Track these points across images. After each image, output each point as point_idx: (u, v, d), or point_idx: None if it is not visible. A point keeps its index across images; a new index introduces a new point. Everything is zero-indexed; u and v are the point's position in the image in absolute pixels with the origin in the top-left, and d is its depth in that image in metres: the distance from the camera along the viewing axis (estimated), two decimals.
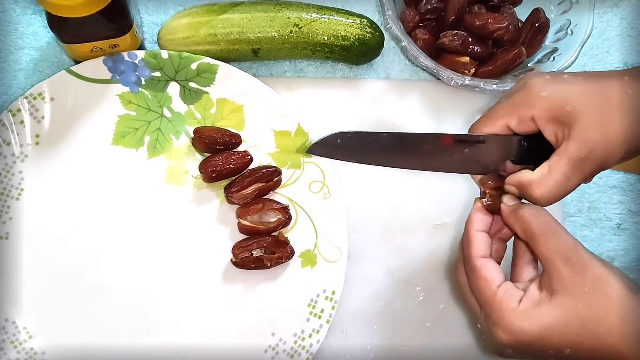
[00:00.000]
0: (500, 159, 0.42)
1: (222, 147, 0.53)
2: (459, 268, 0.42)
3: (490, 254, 0.41)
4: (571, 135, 0.38)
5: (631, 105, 0.37)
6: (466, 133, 0.43)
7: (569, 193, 0.39)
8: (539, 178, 0.39)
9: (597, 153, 0.37)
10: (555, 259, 0.37)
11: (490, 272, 0.39)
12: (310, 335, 0.51)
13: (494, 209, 0.42)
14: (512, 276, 0.42)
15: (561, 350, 0.36)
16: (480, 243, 0.41)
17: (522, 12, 0.59)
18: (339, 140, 0.42)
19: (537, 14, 0.58)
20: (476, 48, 0.56)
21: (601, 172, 0.59)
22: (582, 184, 0.46)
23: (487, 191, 0.43)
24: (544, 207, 0.40)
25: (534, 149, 0.40)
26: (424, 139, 0.42)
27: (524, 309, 0.36)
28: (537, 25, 0.57)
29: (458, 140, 0.41)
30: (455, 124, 0.59)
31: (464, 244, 0.41)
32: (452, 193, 0.57)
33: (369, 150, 0.42)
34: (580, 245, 0.38)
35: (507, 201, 0.41)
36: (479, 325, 0.40)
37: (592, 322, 0.35)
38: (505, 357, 0.39)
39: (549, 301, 0.36)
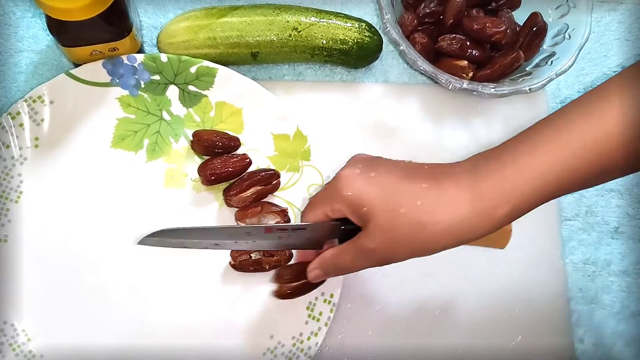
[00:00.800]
0: (324, 240, 0.47)
1: (221, 150, 0.53)
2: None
3: None
4: (364, 231, 0.43)
5: (417, 216, 0.41)
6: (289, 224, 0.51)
7: (358, 270, 0.45)
8: (335, 254, 0.45)
9: (380, 251, 0.42)
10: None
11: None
12: (308, 338, 0.51)
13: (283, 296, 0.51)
14: None
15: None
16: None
17: (520, 16, 0.59)
18: (162, 234, 0.47)
19: (534, 18, 0.58)
20: (474, 52, 0.56)
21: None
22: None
23: (282, 285, 0.51)
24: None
25: (355, 229, 0.44)
26: (246, 230, 0.47)
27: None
28: (534, 29, 0.58)
29: (279, 229, 0.47)
30: (453, 127, 0.59)
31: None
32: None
33: (194, 240, 0.48)
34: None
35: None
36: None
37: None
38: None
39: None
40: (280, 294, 0.51)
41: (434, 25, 0.59)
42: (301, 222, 0.49)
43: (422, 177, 0.42)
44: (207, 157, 0.53)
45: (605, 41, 0.64)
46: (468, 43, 0.56)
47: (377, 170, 0.44)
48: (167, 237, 0.47)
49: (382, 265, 0.43)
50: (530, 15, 0.58)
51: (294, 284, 0.50)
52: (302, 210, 0.49)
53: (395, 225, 0.41)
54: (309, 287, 0.50)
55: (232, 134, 0.54)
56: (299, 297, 0.51)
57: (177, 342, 0.50)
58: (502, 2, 0.60)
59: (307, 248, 0.49)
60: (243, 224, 0.51)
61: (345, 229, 0.45)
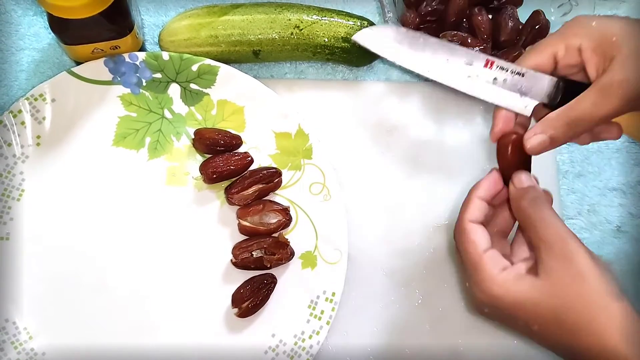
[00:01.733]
0: (535, 97, 0.42)
1: (222, 149, 0.53)
2: (461, 222, 0.43)
3: (482, 222, 0.42)
4: (612, 64, 0.38)
5: None
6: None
7: (594, 124, 0.40)
8: (568, 106, 0.39)
9: (630, 84, 0.38)
10: (542, 247, 0.38)
11: (478, 236, 0.41)
12: (310, 337, 0.51)
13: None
14: (511, 251, 0.43)
15: (529, 325, 0.37)
16: (475, 209, 0.42)
17: (522, 15, 0.59)
18: (389, 34, 0.43)
19: (537, 16, 0.58)
20: (475, 49, 0.56)
21: (601, 175, 0.59)
22: (583, 188, 0.45)
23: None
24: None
25: (569, 93, 0.40)
26: (467, 55, 0.43)
27: (504, 279, 0.38)
28: (537, 27, 0.57)
29: (499, 66, 0.43)
30: (455, 126, 0.59)
31: (461, 207, 0.43)
32: (452, 195, 0.57)
33: (414, 53, 0.44)
34: (570, 237, 0.38)
35: (516, 182, 0.42)
36: (467, 284, 0.42)
37: (563, 312, 0.36)
38: (484, 315, 0.41)
39: (530, 280, 0.38)
40: (242, 314, 0.50)
41: (436, 23, 0.59)
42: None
43: None
44: (209, 156, 0.53)
45: None
46: (469, 40, 0.56)
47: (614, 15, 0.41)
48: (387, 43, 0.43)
49: (627, 107, 0.38)
50: (532, 13, 0.58)
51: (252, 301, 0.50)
52: (523, 54, 0.44)
53: None
54: (265, 297, 0.50)
55: (233, 132, 0.54)
56: (301, 296, 0.52)
57: (178, 340, 0.50)
58: (504, 0, 0.60)
59: (510, 105, 0.43)
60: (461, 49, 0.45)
61: (561, 89, 0.41)
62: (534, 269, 0.38)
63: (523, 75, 0.42)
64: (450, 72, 0.44)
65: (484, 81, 0.43)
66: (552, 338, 0.37)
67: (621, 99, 0.38)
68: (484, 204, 0.43)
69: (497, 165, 0.44)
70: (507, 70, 0.43)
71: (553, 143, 0.41)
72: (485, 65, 0.43)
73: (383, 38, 0.44)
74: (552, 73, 0.43)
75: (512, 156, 0.43)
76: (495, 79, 0.43)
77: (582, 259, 0.37)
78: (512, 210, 0.43)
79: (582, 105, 0.39)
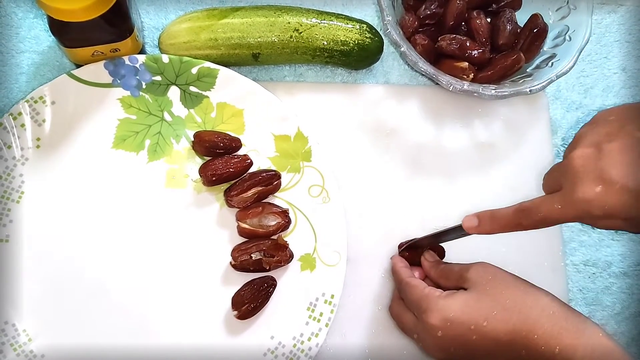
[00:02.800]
0: None
1: (222, 151, 0.53)
2: (393, 303, 0.52)
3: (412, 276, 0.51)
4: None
5: None
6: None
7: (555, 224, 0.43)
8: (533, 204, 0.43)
9: (596, 202, 0.40)
10: (461, 275, 0.47)
11: (418, 281, 0.49)
12: (309, 339, 0.51)
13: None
14: None
15: (480, 323, 0.43)
16: (406, 270, 0.51)
17: (521, 18, 0.60)
18: None
19: (535, 19, 0.58)
20: (474, 52, 0.56)
21: None
22: None
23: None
24: None
25: None
26: None
27: (446, 294, 0.46)
28: (535, 30, 0.58)
29: None
30: (453, 129, 0.59)
31: (395, 277, 0.52)
32: (451, 198, 0.57)
33: None
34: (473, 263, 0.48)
35: (428, 257, 0.52)
36: (414, 336, 0.48)
37: (501, 295, 0.44)
38: (441, 354, 0.46)
39: (466, 292, 0.45)
40: (241, 316, 0.50)
41: (435, 26, 0.59)
42: None
43: None
44: (208, 158, 0.53)
45: (605, 43, 0.64)
46: (468, 43, 0.56)
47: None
48: None
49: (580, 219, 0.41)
50: (530, 16, 0.58)
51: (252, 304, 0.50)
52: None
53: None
54: (265, 300, 0.51)
55: (233, 134, 0.54)
56: (300, 298, 0.52)
57: (177, 342, 0.51)
58: (502, 3, 0.60)
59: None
60: None
61: None
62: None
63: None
64: None
65: None
66: (503, 332, 0.43)
67: (584, 213, 0.40)
68: (407, 267, 0.52)
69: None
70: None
71: (481, 230, 0.46)
72: None
73: None
74: None
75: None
76: None
77: (492, 267, 0.47)
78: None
79: (547, 207, 0.42)
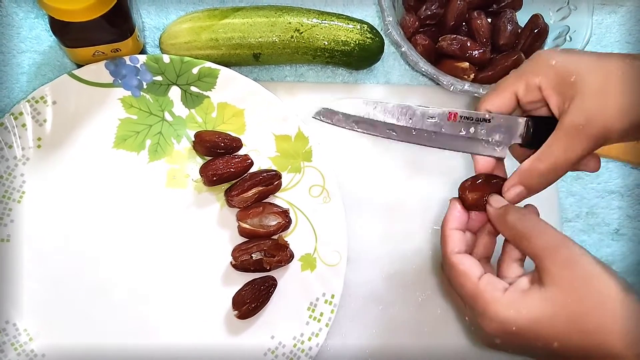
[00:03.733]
0: (507, 140, 0.42)
1: (223, 151, 0.53)
2: (443, 270, 0.43)
3: (466, 250, 0.41)
4: (571, 106, 0.38)
5: (635, 76, 0.37)
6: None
7: (571, 167, 0.39)
8: (540, 155, 0.39)
9: (595, 123, 0.37)
10: (544, 255, 0.36)
11: (468, 266, 0.39)
12: (309, 339, 0.51)
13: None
14: (497, 273, 0.41)
15: (549, 343, 0.35)
16: (455, 241, 0.41)
17: (521, 18, 0.60)
18: (343, 108, 0.44)
19: (536, 20, 0.58)
20: (475, 53, 0.56)
21: (599, 178, 0.59)
22: (582, 191, 0.45)
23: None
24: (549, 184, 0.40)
25: (540, 132, 0.40)
26: (429, 113, 0.43)
27: (510, 299, 0.36)
28: (536, 31, 0.58)
29: (464, 117, 0.42)
30: None
31: (441, 244, 0.42)
32: (451, 197, 0.57)
33: (373, 119, 0.44)
34: (570, 241, 0.37)
35: (494, 203, 0.42)
36: (466, 318, 0.40)
37: (582, 317, 0.34)
38: (495, 348, 0.38)
39: (538, 293, 0.36)
40: (242, 315, 0.50)
41: (436, 27, 0.59)
42: (480, 110, 0.43)
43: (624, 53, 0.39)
44: (209, 158, 0.53)
45: (605, 43, 0.64)
46: (469, 44, 0.56)
47: (576, 50, 0.40)
48: (343, 115, 0.44)
49: (595, 148, 0.38)
50: (531, 17, 0.59)
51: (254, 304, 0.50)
52: (483, 96, 0.43)
53: (610, 90, 0.37)
54: (265, 299, 0.51)
55: (234, 134, 0.54)
56: (300, 298, 0.52)
57: (177, 342, 0.51)
58: (503, 4, 0.60)
59: (485, 152, 0.43)
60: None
61: (531, 128, 0.41)
62: (536, 281, 0.36)
63: (489, 121, 0.42)
64: (416, 132, 0.44)
65: (451, 135, 0.43)
66: (575, 351, 0.35)
67: (588, 140, 0.38)
68: (461, 233, 0.42)
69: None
70: (472, 120, 0.42)
71: (531, 192, 0.41)
72: (449, 119, 0.43)
73: (342, 111, 0.45)
74: (517, 110, 0.43)
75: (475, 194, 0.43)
76: (461, 130, 0.43)
77: (587, 261, 0.36)
78: (491, 234, 0.43)
79: (553, 153, 0.39)
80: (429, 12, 0.58)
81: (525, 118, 0.42)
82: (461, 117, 0.42)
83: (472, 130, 0.42)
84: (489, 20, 0.59)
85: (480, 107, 0.43)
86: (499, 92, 0.42)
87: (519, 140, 0.42)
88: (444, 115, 0.43)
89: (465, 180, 0.44)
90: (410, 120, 0.44)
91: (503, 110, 0.42)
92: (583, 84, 0.37)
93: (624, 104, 0.37)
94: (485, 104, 0.43)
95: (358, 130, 0.44)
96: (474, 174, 0.45)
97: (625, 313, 0.34)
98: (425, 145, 0.44)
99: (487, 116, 0.42)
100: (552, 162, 0.39)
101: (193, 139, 0.53)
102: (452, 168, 0.58)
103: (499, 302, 0.36)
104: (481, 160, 0.44)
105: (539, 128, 0.41)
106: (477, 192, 0.43)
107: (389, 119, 0.44)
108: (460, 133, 0.43)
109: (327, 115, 0.45)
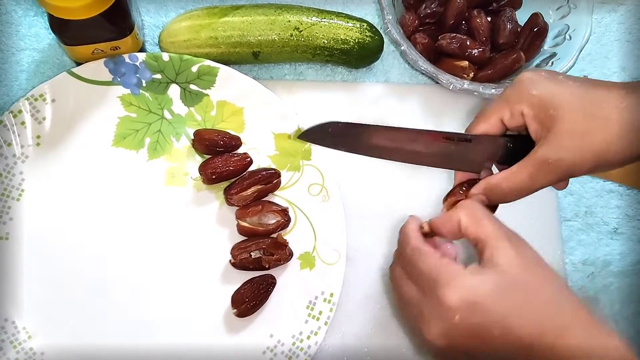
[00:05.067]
0: (485, 159, 0.44)
1: (222, 149, 0.53)
2: (394, 266, 0.42)
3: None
4: (547, 138, 0.39)
5: (622, 119, 0.38)
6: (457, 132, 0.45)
7: (533, 192, 0.41)
8: (507, 175, 0.41)
9: (565, 161, 0.39)
10: (499, 237, 0.37)
11: (432, 249, 0.40)
12: (308, 337, 0.51)
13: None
14: None
15: (505, 317, 0.35)
16: (417, 234, 0.42)
17: (521, 17, 0.60)
18: (330, 129, 0.44)
19: (535, 18, 0.58)
20: (474, 51, 0.56)
21: (599, 178, 0.59)
22: (580, 190, 0.45)
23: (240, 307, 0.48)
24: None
25: (519, 151, 0.41)
26: (412, 134, 0.44)
27: (472, 270, 0.37)
28: (535, 29, 0.58)
29: (446, 137, 0.43)
30: (453, 128, 0.59)
31: (402, 240, 0.42)
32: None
33: (358, 141, 0.44)
34: (510, 234, 0.38)
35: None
36: (413, 312, 0.39)
37: (538, 294, 0.36)
38: (443, 340, 0.37)
39: (494, 273, 0.36)
40: (241, 313, 0.50)
41: (435, 25, 0.59)
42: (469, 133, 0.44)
43: (614, 83, 0.40)
44: (208, 156, 0.53)
45: (605, 42, 0.64)
46: (468, 43, 0.56)
47: (562, 75, 0.41)
48: (329, 136, 0.44)
49: (565, 178, 0.40)
50: (531, 16, 0.59)
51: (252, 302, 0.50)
52: (472, 122, 0.44)
53: (589, 131, 0.38)
54: (264, 297, 0.51)
55: (233, 133, 0.54)
56: (299, 297, 0.52)
57: (176, 340, 0.51)
58: (503, 2, 0.60)
59: (464, 169, 0.45)
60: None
61: (510, 149, 0.42)
62: (488, 263, 0.37)
63: (470, 141, 0.43)
64: (398, 152, 0.45)
65: (432, 154, 0.44)
66: (528, 331, 0.35)
67: (555, 174, 0.39)
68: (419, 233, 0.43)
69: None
70: (453, 140, 0.43)
71: (492, 203, 0.43)
72: (431, 139, 0.44)
73: (326, 133, 0.45)
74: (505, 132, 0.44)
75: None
76: (444, 149, 0.44)
77: (527, 246, 0.38)
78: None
79: (518, 177, 0.40)
80: (429, 11, 0.58)
81: (505, 139, 0.43)
82: (443, 137, 0.44)
83: (453, 149, 0.44)
84: (489, 18, 0.59)
85: (469, 132, 0.44)
86: (486, 118, 0.43)
87: (497, 158, 0.44)
88: (426, 136, 0.44)
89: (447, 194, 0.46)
90: (393, 141, 0.45)
91: (491, 133, 0.44)
92: (561, 120, 0.38)
93: (600, 149, 0.38)
94: (473, 129, 0.44)
95: (342, 150, 0.45)
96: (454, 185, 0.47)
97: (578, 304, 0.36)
98: (407, 163, 0.46)
99: (468, 137, 0.44)
100: (516, 185, 0.41)
101: (192, 137, 0.53)
102: None
103: (464, 273, 0.37)
104: (460, 174, 0.46)
105: (520, 147, 0.42)
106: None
107: (373, 141, 0.45)
108: (443, 152, 0.44)
109: (311, 136, 0.45)
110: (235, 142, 0.53)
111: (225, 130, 0.54)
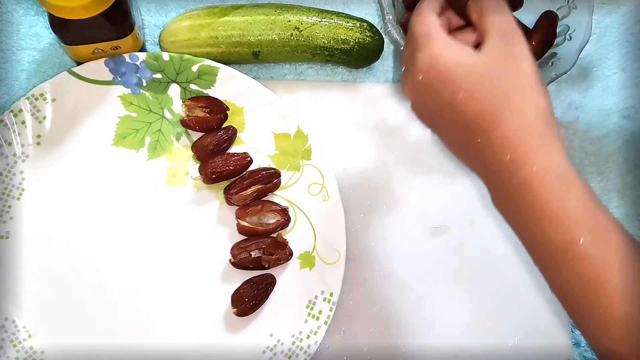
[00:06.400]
0: None
1: (214, 126, 0.53)
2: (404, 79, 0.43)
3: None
4: None
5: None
6: None
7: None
8: None
9: None
10: (490, 30, 0.39)
11: (433, 15, 0.41)
12: (308, 337, 0.51)
13: None
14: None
15: (457, 91, 0.38)
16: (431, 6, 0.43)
17: (521, 17, 0.60)
18: None
19: (553, 19, 0.57)
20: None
21: (599, 177, 0.59)
22: None
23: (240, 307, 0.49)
24: None
25: None
26: None
27: (448, 43, 0.39)
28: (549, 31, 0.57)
29: None
30: None
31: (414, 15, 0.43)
32: (450, 196, 0.57)
33: None
34: (518, 29, 0.39)
35: None
36: (401, 67, 0.43)
37: (496, 83, 0.37)
38: (414, 96, 0.41)
39: (471, 51, 0.39)
40: (241, 313, 0.51)
41: None
42: None
43: None
44: (202, 134, 0.53)
45: (605, 43, 0.64)
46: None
47: None
48: None
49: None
50: (546, 15, 0.58)
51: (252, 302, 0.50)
52: None
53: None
54: (264, 296, 0.51)
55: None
56: (299, 296, 0.52)
57: (176, 339, 0.51)
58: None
59: None
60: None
61: None
62: (477, 48, 0.39)
63: None
64: None
65: None
66: (473, 109, 0.37)
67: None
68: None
69: None
70: None
71: None
72: None
73: None
74: None
75: None
76: None
77: (523, 46, 0.38)
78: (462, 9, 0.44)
79: None
80: None
81: None
82: None
83: None
84: None
85: None
86: None
87: None
88: None
89: None
90: None
91: None
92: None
93: None
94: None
95: None
96: None
97: (529, 98, 0.37)
98: None
99: None
100: None
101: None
102: (451, 168, 0.58)
103: (441, 39, 0.39)
104: None
105: None
106: None
107: None
108: None
109: None
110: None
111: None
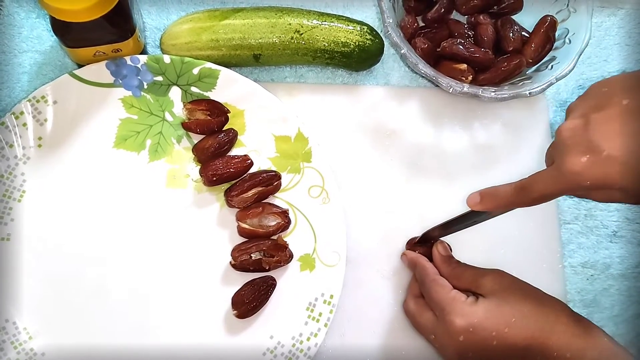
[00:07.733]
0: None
1: (215, 129, 0.53)
2: (410, 301, 0.52)
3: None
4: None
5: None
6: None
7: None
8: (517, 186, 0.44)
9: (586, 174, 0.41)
10: (479, 281, 0.49)
11: (445, 282, 0.50)
12: (308, 339, 0.51)
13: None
14: None
15: (500, 330, 0.45)
16: (432, 268, 0.52)
17: (521, 19, 0.60)
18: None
19: (552, 24, 0.58)
20: (477, 55, 0.56)
21: None
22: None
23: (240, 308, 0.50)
24: None
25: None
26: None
27: (471, 301, 0.47)
28: (548, 34, 0.58)
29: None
30: (453, 131, 0.59)
31: (419, 273, 0.52)
32: (450, 199, 0.57)
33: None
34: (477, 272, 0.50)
35: (441, 250, 0.53)
36: (432, 337, 0.49)
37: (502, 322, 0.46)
38: (457, 355, 0.47)
39: (485, 299, 0.47)
40: (241, 315, 0.51)
41: (436, 29, 0.59)
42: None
43: None
44: (203, 136, 0.53)
45: (605, 46, 0.64)
46: (471, 47, 0.56)
47: None
48: None
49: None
50: (547, 21, 0.58)
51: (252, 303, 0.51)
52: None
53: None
54: (264, 299, 0.51)
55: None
56: (299, 298, 0.52)
57: (177, 341, 0.51)
58: (504, 5, 0.60)
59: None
60: None
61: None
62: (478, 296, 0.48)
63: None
64: None
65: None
66: (507, 345, 0.45)
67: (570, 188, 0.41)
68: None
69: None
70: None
71: (484, 207, 0.46)
72: None
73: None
74: None
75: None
76: None
77: (508, 278, 0.49)
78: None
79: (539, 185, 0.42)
80: (437, 15, 0.58)
81: None
82: None
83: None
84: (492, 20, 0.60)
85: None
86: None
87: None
88: None
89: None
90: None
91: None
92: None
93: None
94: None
95: None
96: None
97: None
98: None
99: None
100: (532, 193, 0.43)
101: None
102: (451, 171, 0.58)
103: (465, 303, 0.47)
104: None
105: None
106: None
107: None
108: None
109: None
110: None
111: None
